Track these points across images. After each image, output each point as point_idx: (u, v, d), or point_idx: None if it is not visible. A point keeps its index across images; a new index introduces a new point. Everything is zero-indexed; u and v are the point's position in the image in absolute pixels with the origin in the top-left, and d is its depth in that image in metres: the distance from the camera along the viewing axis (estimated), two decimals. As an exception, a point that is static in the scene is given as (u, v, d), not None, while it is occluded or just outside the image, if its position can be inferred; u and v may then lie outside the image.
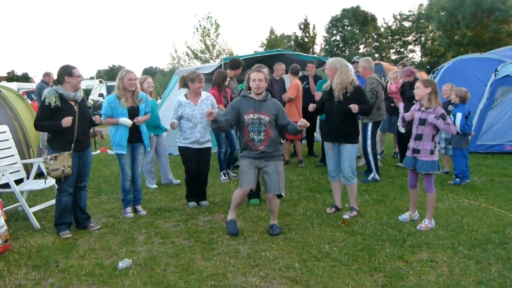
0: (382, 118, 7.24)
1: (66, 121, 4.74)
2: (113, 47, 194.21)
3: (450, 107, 6.81)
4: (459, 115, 6.54)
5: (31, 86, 23.53)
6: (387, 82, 8.58)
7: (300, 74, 9.74)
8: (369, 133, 7.00)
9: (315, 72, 9.36)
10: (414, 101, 5.22)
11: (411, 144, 4.98)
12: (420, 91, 4.86)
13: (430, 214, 4.95)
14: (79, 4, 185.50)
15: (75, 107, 4.96)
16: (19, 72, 63.04)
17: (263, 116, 4.76)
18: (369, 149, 7.04)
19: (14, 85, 28.15)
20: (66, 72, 4.88)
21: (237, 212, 5.09)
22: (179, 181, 7.36)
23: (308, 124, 4.72)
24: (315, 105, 5.58)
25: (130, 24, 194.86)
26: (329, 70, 5.31)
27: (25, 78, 54.23)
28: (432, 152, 4.84)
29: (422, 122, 4.83)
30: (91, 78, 57.74)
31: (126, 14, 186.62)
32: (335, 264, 3.99)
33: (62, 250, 4.48)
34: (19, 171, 5.84)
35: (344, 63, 5.28)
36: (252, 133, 4.77)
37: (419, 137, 4.88)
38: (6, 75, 59.94)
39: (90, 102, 23.16)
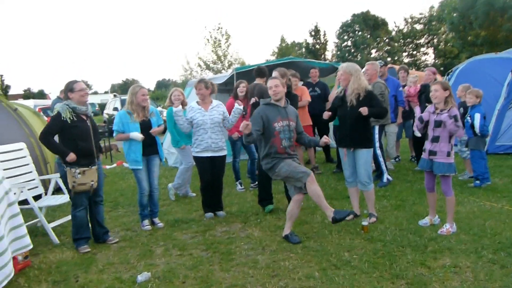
0: (387, 122, 7.22)
1: (71, 158, 4.79)
2: (126, 61, 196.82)
3: (461, 110, 6.66)
4: (477, 116, 6.41)
5: (47, 102, 23.93)
6: (404, 85, 8.47)
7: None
8: (376, 136, 6.97)
9: (320, 79, 9.33)
10: (426, 104, 5.16)
11: (427, 146, 4.91)
12: (439, 93, 4.79)
13: (450, 218, 4.85)
14: (92, 21, 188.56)
15: (87, 122, 5.00)
16: (35, 89, 64.30)
17: (291, 122, 4.95)
18: (378, 151, 7.00)
19: (30, 102, 28.64)
20: (68, 88, 4.97)
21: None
22: (194, 194, 7.35)
23: (330, 141, 4.76)
24: (330, 113, 5.54)
25: (142, 38, 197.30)
26: (342, 75, 5.26)
27: (41, 95, 55.26)
28: (448, 154, 4.77)
29: (438, 124, 4.77)
30: (106, 92, 58.64)
31: (138, 27, 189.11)
32: (355, 272, 3.92)
33: (81, 265, 4.50)
34: (37, 187, 5.90)
35: (358, 68, 5.24)
36: (284, 140, 4.88)
37: (435, 139, 4.82)
38: (22, 92, 61.13)
39: (105, 116, 23.45)
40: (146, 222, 5.68)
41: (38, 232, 5.69)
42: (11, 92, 55.66)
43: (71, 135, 4.85)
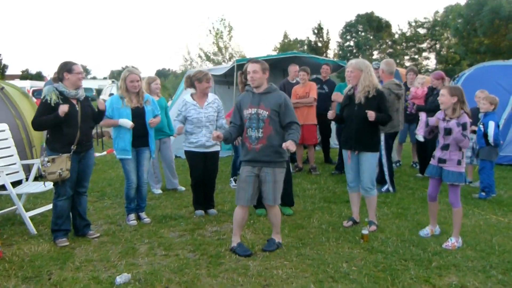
0: (395, 130, 6.81)
1: (62, 109, 4.38)
2: (127, 48, 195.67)
3: (480, 115, 6.35)
4: (491, 124, 6.08)
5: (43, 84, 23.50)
6: (409, 88, 8.14)
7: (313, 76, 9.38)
8: (382, 143, 6.60)
9: (329, 77, 9.00)
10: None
11: (437, 153, 4.62)
12: (445, 99, 4.47)
13: (456, 231, 4.54)
14: (95, 5, 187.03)
15: (77, 106, 4.64)
16: (33, 71, 63.54)
17: (262, 110, 4.25)
18: (384, 160, 6.67)
19: (27, 83, 28.25)
20: (66, 68, 4.56)
21: (241, 233, 4.55)
22: (184, 188, 7.01)
23: (292, 148, 4.11)
24: (333, 111, 5.19)
25: (144, 26, 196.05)
26: (352, 72, 4.90)
27: (39, 76, 54.65)
28: (459, 163, 4.47)
29: (448, 132, 4.47)
30: (104, 78, 58.01)
31: (140, 15, 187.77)
32: (354, 287, 3.60)
33: (57, 260, 4.15)
34: (18, 172, 5.55)
35: (368, 64, 4.90)
36: (249, 129, 4.28)
37: (445, 147, 4.54)
38: (20, 73, 60.43)
39: (100, 102, 23.05)
40: (132, 216, 5.33)
41: (16, 221, 5.35)
42: (9, 72, 54.92)
43: None
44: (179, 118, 5.54)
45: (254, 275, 3.81)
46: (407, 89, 8.07)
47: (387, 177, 6.71)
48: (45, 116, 4.46)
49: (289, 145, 4.03)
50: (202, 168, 5.56)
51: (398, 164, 8.82)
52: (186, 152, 5.62)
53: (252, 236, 4.80)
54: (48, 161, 4.44)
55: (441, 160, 4.56)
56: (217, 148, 5.65)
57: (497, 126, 6.12)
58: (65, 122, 4.49)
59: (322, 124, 8.49)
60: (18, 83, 25.14)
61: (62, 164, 4.47)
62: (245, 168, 4.35)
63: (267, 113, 4.23)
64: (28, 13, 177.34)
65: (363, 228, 4.73)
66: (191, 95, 5.62)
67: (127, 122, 5.07)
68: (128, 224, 5.24)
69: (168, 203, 6.23)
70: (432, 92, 7.32)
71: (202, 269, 3.95)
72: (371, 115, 4.73)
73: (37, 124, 4.56)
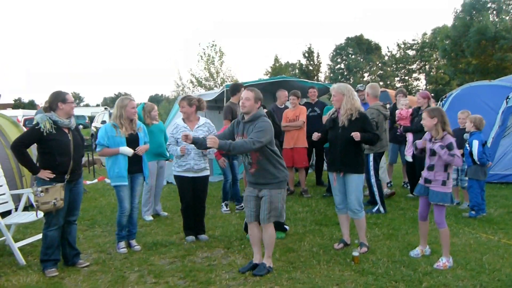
0: (383, 149, 6.94)
1: (43, 175, 4.48)
2: (119, 75, 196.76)
3: (466, 136, 6.44)
4: (475, 143, 6.17)
5: (37, 113, 23.44)
6: (396, 109, 8.26)
7: (304, 100, 9.52)
8: (370, 163, 6.68)
9: (318, 99, 9.11)
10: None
11: (424, 173, 4.72)
12: (426, 122, 4.63)
13: (446, 251, 4.56)
14: (86, 33, 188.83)
15: (69, 135, 4.67)
16: (25, 99, 63.60)
17: (244, 138, 4.43)
18: (372, 180, 6.73)
19: (19, 112, 28.21)
20: (60, 98, 4.62)
21: (259, 251, 4.60)
22: (166, 213, 7.03)
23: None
24: (319, 134, 5.26)
25: (136, 52, 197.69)
26: (335, 96, 5.00)
27: (31, 105, 54.61)
28: (444, 183, 4.54)
29: (433, 152, 4.58)
30: (97, 105, 58.17)
31: (132, 42, 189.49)
32: (345, 310, 3.59)
33: (46, 291, 4.11)
34: (7, 202, 5.52)
35: (350, 88, 5.00)
36: (242, 156, 4.55)
37: (431, 168, 4.63)
38: (13, 102, 60.46)
39: (92, 129, 23.04)
40: (122, 244, 5.30)
41: (5, 252, 5.29)
42: (1, 101, 54.92)
43: (49, 149, 4.51)
44: (171, 141, 5.61)
45: (244, 301, 3.79)
46: (395, 109, 8.19)
47: (377, 198, 6.74)
48: (30, 157, 4.58)
49: (210, 142, 4.18)
50: (191, 192, 5.57)
51: (389, 185, 8.85)
52: (176, 177, 5.65)
53: (242, 261, 4.78)
54: (41, 191, 4.43)
55: (427, 181, 4.64)
56: (206, 172, 5.67)
57: (482, 145, 6.19)
58: (58, 151, 4.52)
59: (316, 146, 8.54)
60: (10, 112, 25.14)
61: (56, 194, 4.47)
62: (248, 189, 4.63)
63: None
64: (21, 41, 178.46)
65: (354, 250, 4.73)
66: (183, 119, 5.69)
67: (129, 150, 5.12)
68: (118, 252, 5.20)
69: (159, 229, 6.20)
70: (417, 112, 7.42)
71: (192, 296, 3.93)
72: (356, 135, 4.80)
73: (16, 151, 4.53)
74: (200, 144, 4.52)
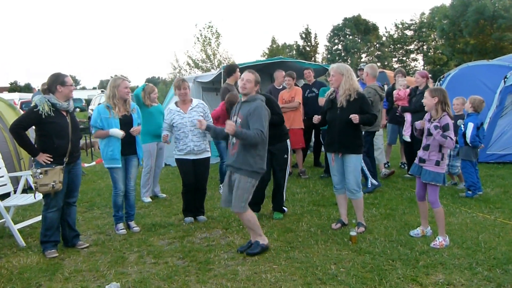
0: (375, 129, 6.93)
1: (40, 158, 4.47)
2: (116, 57, 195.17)
3: (460, 122, 6.41)
4: (470, 126, 6.16)
5: (33, 96, 23.31)
6: (394, 89, 8.24)
7: (302, 82, 9.48)
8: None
9: (316, 79, 9.06)
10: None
11: (419, 153, 4.74)
12: (427, 101, 4.63)
13: (442, 230, 4.60)
14: (82, 16, 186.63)
15: (67, 118, 4.65)
16: (22, 83, 63.18)
17: (238, 118, 4.43)
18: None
19: (15, 96, 28.08)
20: (59, 81, 4.57)
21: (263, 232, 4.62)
22: (165, 195, 7.06)
23: None
24: (320, 117, 5.24)
25: (132, 34, 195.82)
26: (334, 76, 4.97)
27: (27, 88, 54.28)
28: (438, 163, 4.55)
29: (430, 132, 4.58)
30: (94, 88, 57.79)
31: (128, 24, 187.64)
32: (342, 288, 3.64)
33: (46, 272, 4.14)
34: (5, 184, 5.52)
35: (349, 68, 4.96)
36: (231, 137, 4.46)
37: (426, 147, 4.65)
38: (9, 85, 60.04)
39: (89, 112, 22.95)
40: (121, 225, 5.33)
41: (4, 233, 5.32)
42: (-3, 85, 54.62)
43: (47, 131, 4.50)
44: (165, 126, 5.59)
45: (243, 280, 3.83)
46: (394, 90, 8.18)
47: (366, 172, 6.76)
48: (29, 139, 4.54)
49: (228, 128, 4.18)
50: (193, 175, 5.58)
51: (386, 165, 8.87)
52: (177, 160, 5.66)
53: (241, 241, 4.82)
54: (40, 173, 4.44)
55: (421, 160, 4.67)
56: (207, 154, 5.67)
57: (477, 128, 6.19)
58: (56, 133, 4.51)
59: (316, 127, 8.52)
60: (6, 95, 25.00)
61: (55, 176, 4.48)
62: (227, 173, 4.56)
63: (240, 120, 4.39)
64: (16, 24, 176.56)
65: (351, 230, 4.77)
66: (175, 103, 5.67)
67: (118, 132, 5.07)
68: (117, 233, 5.24)
69: (158, 211, 6.23)
70: (415, 93, 7.40)
71: (191, 276, 3.97)
72: (355, 118, 4.79)
73: (15, 133, 4.50)
74: (213, 131, 4.60)
